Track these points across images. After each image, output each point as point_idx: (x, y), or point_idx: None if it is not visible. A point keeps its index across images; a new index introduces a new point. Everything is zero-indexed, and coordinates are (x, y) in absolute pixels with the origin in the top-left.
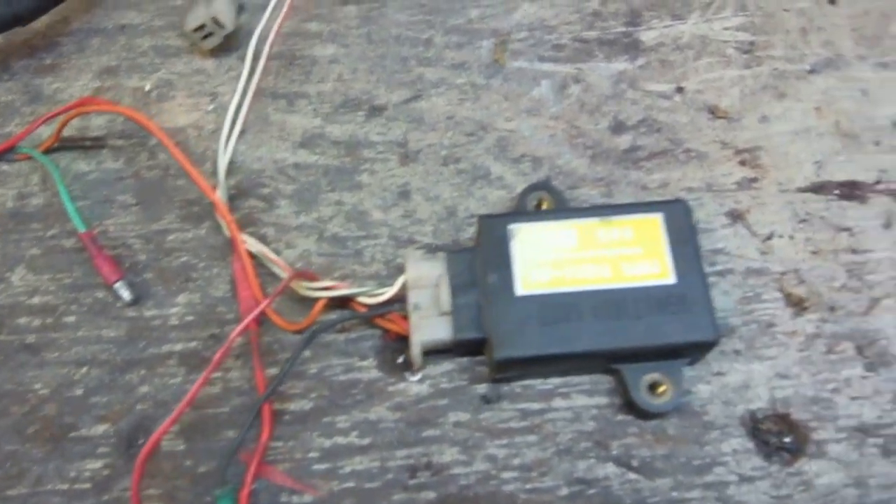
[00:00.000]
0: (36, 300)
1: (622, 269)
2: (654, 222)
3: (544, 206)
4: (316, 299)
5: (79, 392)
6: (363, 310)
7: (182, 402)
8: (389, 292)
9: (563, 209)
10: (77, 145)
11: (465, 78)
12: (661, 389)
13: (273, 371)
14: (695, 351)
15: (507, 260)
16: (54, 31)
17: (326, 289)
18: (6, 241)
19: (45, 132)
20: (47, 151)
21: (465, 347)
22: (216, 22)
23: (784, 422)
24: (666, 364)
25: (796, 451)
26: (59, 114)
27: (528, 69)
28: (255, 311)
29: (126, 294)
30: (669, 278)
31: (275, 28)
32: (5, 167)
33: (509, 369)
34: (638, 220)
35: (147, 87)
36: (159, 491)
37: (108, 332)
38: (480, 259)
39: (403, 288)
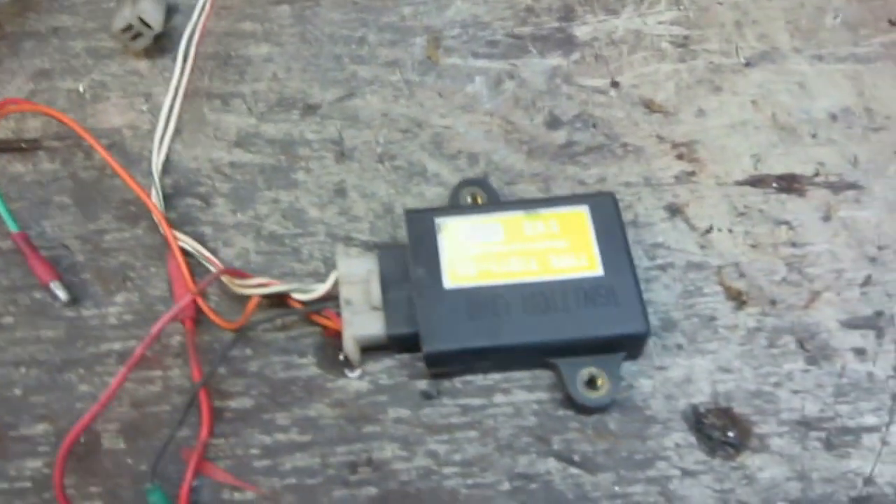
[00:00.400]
0: None
1: (549, 262)
2: (581, 215)
3: (479, 202)
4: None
5: (18, 392)
6: (299, 307)
7: (104, 395)
8: (322, 289)
9: (490, 203)
10: (12, 147)
11: (399, 75)
12: (598, 383)
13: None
14: (628, 344)
15: (434, 254)
16: None
17: (260, 286)
18: None
19: None
20: None
21: (401, 343)
22: (143, 22)
23: (726, 416)
24: (603, 358)
25: (739, 445)
26: None
27: (461, 66)
28: (177, 307)
29: (62, 294)
30: (597, 271)
31: (199, 28)
32: None
33: (440, 363)
34: (564, 214)
35: (81, 89)
36: (100, 489)
37: (46, 332)
38: (409, 253)
39: (337, 285)
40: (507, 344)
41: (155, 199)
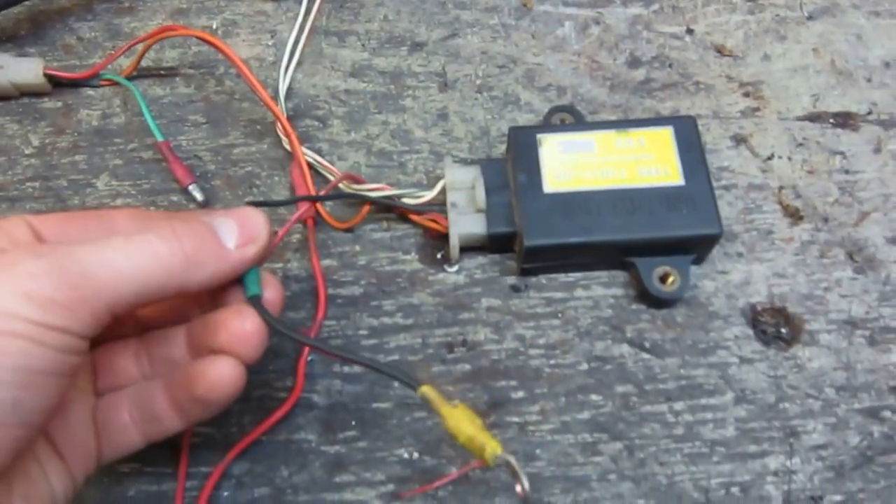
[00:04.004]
0: (118, 202)
1: (637, 172)
2: (666, 133)
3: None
4: (363, 202)
5: None
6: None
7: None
8: (430, 194)
9: (584, 123)
10: (152, 74)
11: (497, 19)
12: (670, 280)
13: (327, 262)
14: (701, 245)
15: (535, 163)
16: None
17: (373, 190)
18: (92, 154)
19: (125, 63)
20: (127, 79)
21: (496, 242)
22: None
23: (780, 314)
24: (674, 258)
25: (791, 339)
26: (143, 39)
27: (553, 12)
28: (304, 209)
29: (199, 195)
30: (679, 180)
31: None
32: (91, 92)
33: (537, 257)
34: (651, 132)
35: (214, 26)
36: None
37: None
38: (512, 163)
39: (442, 191)
40: (597, 240)
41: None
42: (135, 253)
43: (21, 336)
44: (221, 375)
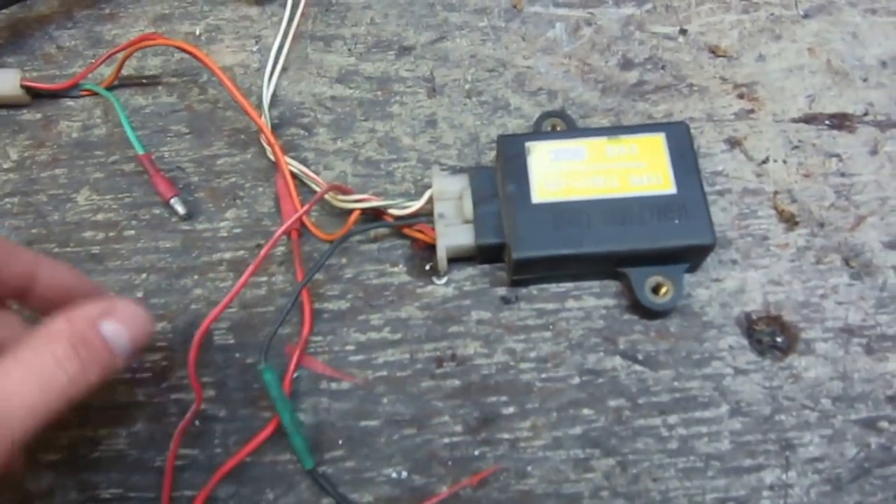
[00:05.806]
0: (100, 217)
1: (628, 180)
2: (657, 140)
3: (559, 131)
4: (351, 213)
5: (139, 294)
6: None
7: (231, 293)
8: (417, 204)
9: (574, 130)
10: (134, 83)
11: (486, 21)
12: (663, 290)
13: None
14: (694, 255)
15: (524, 172)
16: None
17: (360, 201)
18: (72, 167)
19: (106, 72)
20: (108, 88)
21: (485, 253)
22: None
23: (776, 323)
24: (667, 268)
25: (787, 349)
26: (122, 49)
27: (543, 13)
28: (296, 216)
29: (181, 208)
30: (671, 188)
31: None
32: (70, 102)
33: (526, 269)
34: (642, 139)
35: (197, 32)
36: (212, 379)
37: (164, 243)
38: (500, 172)
39: (430, 201)
40: (588, 252)
41: (267, 125)
42: (41, 389)
43: None
44: None
